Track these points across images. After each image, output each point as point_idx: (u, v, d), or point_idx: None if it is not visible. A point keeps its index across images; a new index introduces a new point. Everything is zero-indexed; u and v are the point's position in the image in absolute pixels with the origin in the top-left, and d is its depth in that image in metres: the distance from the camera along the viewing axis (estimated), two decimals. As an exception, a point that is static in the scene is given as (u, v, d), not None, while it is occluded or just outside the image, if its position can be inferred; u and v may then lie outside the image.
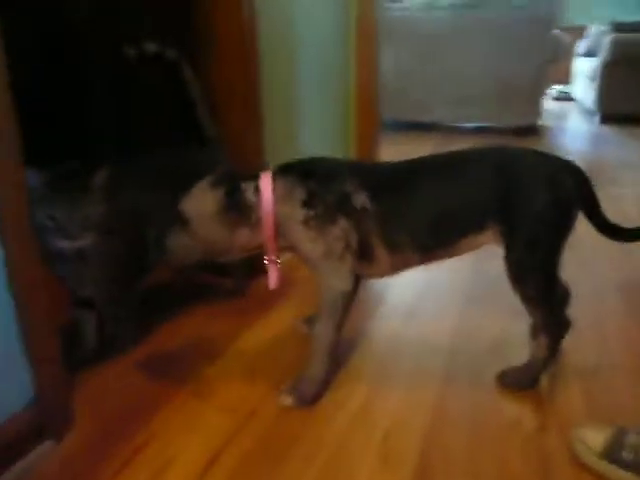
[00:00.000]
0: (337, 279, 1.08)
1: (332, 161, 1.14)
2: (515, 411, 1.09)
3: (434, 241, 1.08)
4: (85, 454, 0.98)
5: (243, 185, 1.07)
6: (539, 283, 1.07)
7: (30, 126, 1.04)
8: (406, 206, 1.06)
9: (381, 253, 1.08)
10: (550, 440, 1.01)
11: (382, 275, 1.14)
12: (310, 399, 1.11)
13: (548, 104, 5.54)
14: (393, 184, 1.08)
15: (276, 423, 1.06)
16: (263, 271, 1.12)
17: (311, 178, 1.07)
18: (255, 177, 1.08)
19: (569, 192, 1.04)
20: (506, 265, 1.07)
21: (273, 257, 1.10)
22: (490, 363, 1.24)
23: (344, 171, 1.08)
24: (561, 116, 5.21)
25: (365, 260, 1.09)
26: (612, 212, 1.12)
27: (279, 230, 1.07)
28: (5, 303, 0.89)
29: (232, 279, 1.61)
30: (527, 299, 1.09)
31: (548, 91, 5.99)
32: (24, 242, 0.89)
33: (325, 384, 1.13)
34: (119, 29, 1.66)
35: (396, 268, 1.12)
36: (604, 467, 0.90)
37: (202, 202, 1.06)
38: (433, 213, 1.06)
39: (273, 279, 1.11)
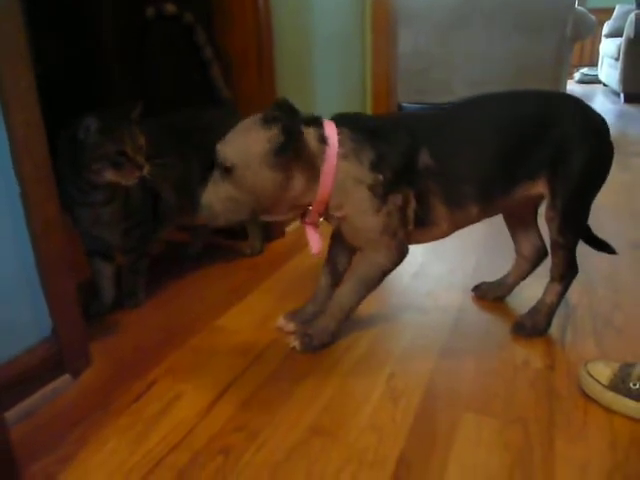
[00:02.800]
0: (385, 257, 1.02)
1: (386, 118, 1.09)
2: (524, 353, 1.09)
3: (494, 189, 1.03)
4: (100, 388, 1.02)
5: (303, 129, 0.93)
6: (576, 232, 1.08)
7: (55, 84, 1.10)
8: (468, 155, 1.01)
9: (440, 213, 1.02)
10: (558, 378, 1.00)
11: (435, 239, 1.08)
12: (317, 347, 1.11)
13: (573, 87, 5.44)
14: (450, 134, 1.01)
15: (283, 364, 1.08)
16: (276, 236, 1.12)
17: (378, 137, 0.97)
18: (317, 122, 0.96)
19: (610, 143, 1.05)
20: (548, 213, 1.06)
21: (316, 219, 1.01)
22: (500, 317, 1.24)
23: (403, 128, 1.00)
24: (586, 98, 5.11)
25: (420, 226, 1.03)
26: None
27: (335, 192, 0.97)
28: (22, 238, 0.93)
29: (249, 242, 1.63)
30: (560, 246, 1.08)
31: (574, 74, 5.89)
32: (40, 179, 0.93)
33: (334, 336, 1.14)
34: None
35: (454, 227, 1.06)
36: (611, 398, 0.90)
37: (252, 141, 0.90)
38: (493, 160, 1.01)
39: (316, 243, 1.01)
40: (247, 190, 0.92)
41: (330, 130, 0.96)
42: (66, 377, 1.02)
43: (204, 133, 1.32)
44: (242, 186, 0.91)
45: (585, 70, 6.09)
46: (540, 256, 1.23)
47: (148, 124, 1.21)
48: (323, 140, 0.95)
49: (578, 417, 0.91)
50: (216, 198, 0.93)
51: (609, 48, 4.95)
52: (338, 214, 1.00)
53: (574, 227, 1.08)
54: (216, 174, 0.93)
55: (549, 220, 1.06)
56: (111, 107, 1.16)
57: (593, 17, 3.90)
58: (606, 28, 5.36)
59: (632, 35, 4.19)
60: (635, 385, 0.87)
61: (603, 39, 5.45)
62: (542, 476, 0.79)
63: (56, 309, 0.99)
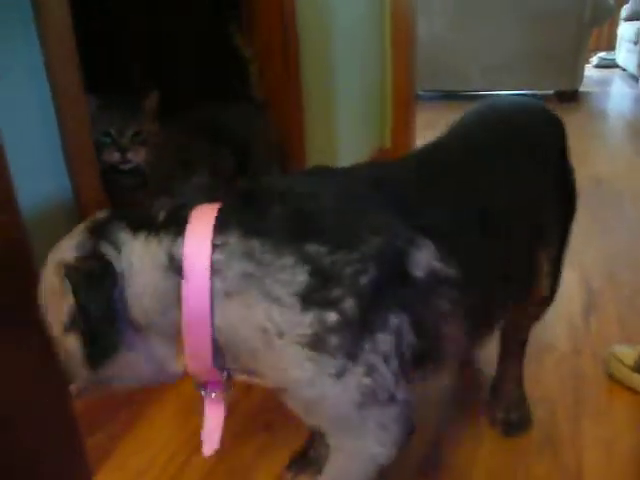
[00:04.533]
0: (377, 440, 0.57)
1: (345, 182, 0.59)
2: (550, 336, 1.12)
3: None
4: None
5: (136, 244, 0.51)
6: (561, 267, 0.85)
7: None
8: (497, 239, 0.65)
9: (458, 339, 0.62)
10: (584, 361, 1.04)
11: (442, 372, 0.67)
12: None
13: (591, 71, 5.38)
14: (471, 214, 0.62)
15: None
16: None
17: (314, 230, 0.52)
18: (175, 221, 0.51)
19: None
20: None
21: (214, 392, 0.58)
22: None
23: (376, 201, 0.56)
24: (604, 82, 5.06)
25: (425, 364, 0.61)
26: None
27: (232, 352, 0.53)
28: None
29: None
30: (547, 303, 0.86)
31: (591, 58, 5.82)
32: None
33: None
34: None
35: (466, 353, 0.77)
36: (637, 379, 0.93)
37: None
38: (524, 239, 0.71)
39: (211, 438, 0.58)
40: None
41: (195, 245, 0.50)
42: (111, 360, 1.07)
43: (231, 130, 1.36)
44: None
45: (603, 54, 6.02)
46: None
47: (176, 118, 1.25)
48: (174, 268, 0.50)
49: (604, 398, 0.94)
50: None
51: (627, 32, 4.90)
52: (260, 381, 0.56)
53: (561, 266, 0.84)
54: None
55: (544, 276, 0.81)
56: (127, 93, 1.20)
57: (611, 0, 3.87)
58: (624, 11, 5.29)
59: (651, 18, 4.14)
60: (660, 367, 0.90)
61: (621, 22, 5.38)
62: (570, 452, 0.83)
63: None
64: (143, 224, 0.51)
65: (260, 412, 0.94)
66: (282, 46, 1.62)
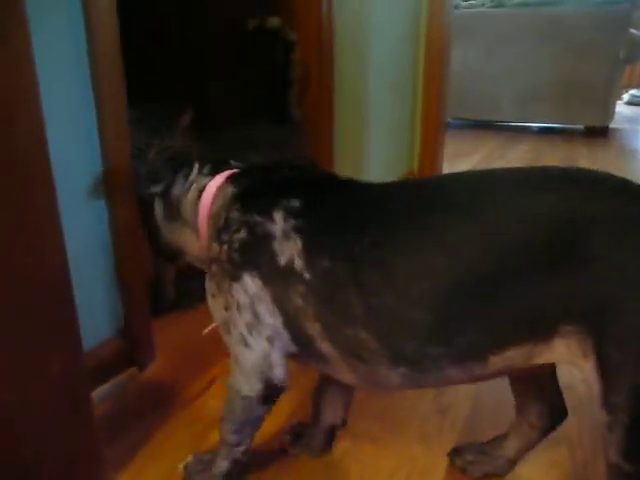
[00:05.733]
0: (237, 373, 0.72)
1: (291, 172, 0.76)
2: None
3: (436, 348, 0.61)
4: (164, 382, 1.09)
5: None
6: None
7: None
8: (378, 275, 0.60)
9: (329, 352, 0.66)
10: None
11: (372, 387, 0.74)
12: None
13: (622, 108, 5.35)
14: (356, 229, 0.63)
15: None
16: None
17: (246, 193, 0.73)
18: (213, 172, 0.79)
19: None
20: (602, 414, 0.58)
21: None
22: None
23: (286, 190, 0.70)
24: (635, 120, 5.02)
25: (312, 356, 0.69)
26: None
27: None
28: (105, 246, 1.02)
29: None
30: (625, 477, 0.59)
31: (623, 95, 5.79)
32: (126, 206, 1.01)
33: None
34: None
35: (369, 382, 0.69)
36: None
37: None
38: (436, 291, 0.59)
39: None
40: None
41: (211, 186, 0.77)
42: (133, 370, 1.10)
43: (269, 150, 1.38)
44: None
45: (635, 92, 5.99)
46: (554, 419, 0.80)
47: (212, 136, 1.27)
48: (201, 194, 0.78)
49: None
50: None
51: (662, 70, 4.87)
52: None
53: None
54: None
55: (603, 426, 0.58)
56: (163, 108, 1.19)
57: (647, 39, 3.86)
58: (659, 50, 5.26)
59: (687, 59, 4.12)
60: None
61: (656, 61, 5.36)
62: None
63: (129, 307, 1.06)
64: (202, 168, 0.80)
65: (277, 435, 0.95)
66: (318, 70, 1.65)
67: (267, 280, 0.66)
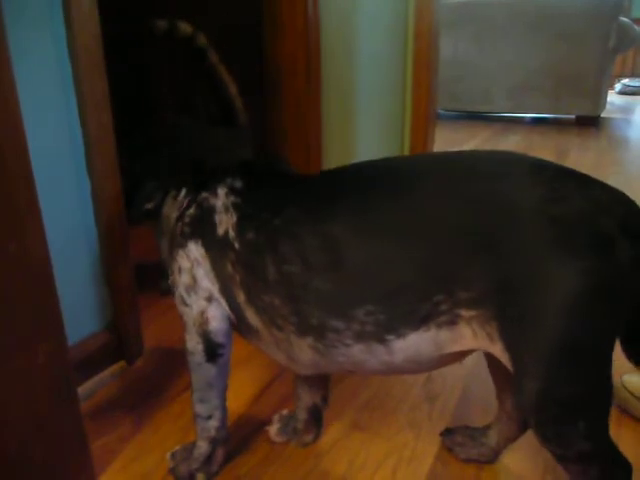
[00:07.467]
0: (185, 333, 0.78)
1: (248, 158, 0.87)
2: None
3: (337, 321, 0.64)
4: (153, 375, 1.09)
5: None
6: (590, 429, 0.60)
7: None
8: (291, 246, 0.66)
9: (255, 322, 0.72)
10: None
11: (296, 365, 0.74)
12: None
13: (613, 98, 5.36)
14: (280, 208, 0.69)
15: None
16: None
17: (200, 177, 0.79)
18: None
19: (620, 253, 0.55)
20: (518, 401, 0.65)
21: None
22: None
23: (231, 172, 0.77)
24: (626, 109, 5.03)
25: (246, 329, 0.75)
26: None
27: None
28: (91, 236, 1.01)
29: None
30: (565, 457, 0.62)
31: (614, 85, 5.80)
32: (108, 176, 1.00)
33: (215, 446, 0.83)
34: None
35: (290, 357, 0.73)
36: (645, 411, 0.92)
37: None
38: (337, 264, 0.63)
39: None
40: None
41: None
42: (122, 363, 1.09)
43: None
44: None
45: (626, 81, 5.99)
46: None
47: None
48: None
49: (612, 429, 0.92)
50: None
51: (653, 59, 4.87)
52: None
53: (584, 422, 0.59)
54: None
55: (523, 411, 0.67)
56: None
57: (637, 28, 3.86)
58: (650, 39, 5.27)
59: (677, 47, 4.12)
60: (670, 399, 0.89)
61: (647, 50, 5.36)
62: (575, 481, 0.82)
63: (117, 301, 1.06)
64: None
65: (265, 426, 0.95)
66: (305, 62, 1.65)
67: (208, 248, 0.73)
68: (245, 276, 0.70)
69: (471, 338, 0.61)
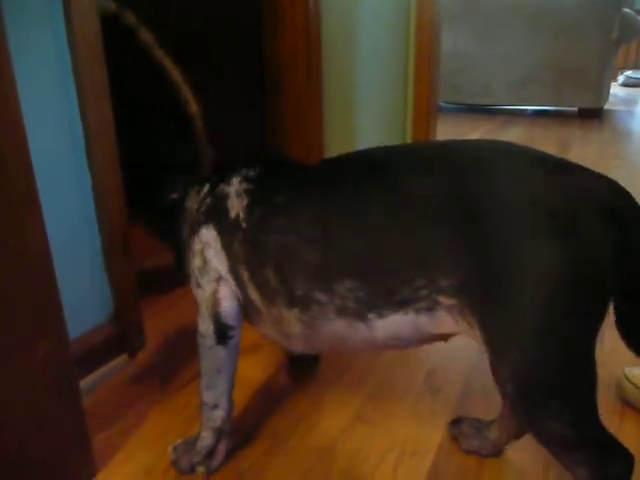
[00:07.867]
0: (198, 315, 0.80)
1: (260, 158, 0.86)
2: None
3: (320, 294, 0.67)
4: (155, 369, 1.09)
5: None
6: (568, 413, 0.59)
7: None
8: (287, 219, 0.70)
9: (256, 298, 0.75)
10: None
11: (289, 341, 0.78)
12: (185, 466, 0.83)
13: (616, 90, 5.33)
14: (283, 189, 0.74)
15: (329, 354, 1.13)
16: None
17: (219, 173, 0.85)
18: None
19: (598, 238, 0.55)
20: (498, 384, 0.62)
21: None
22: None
23: (242, 167, 0.81)
24: (629, 101, 5.01)
25: (250, 308, 0.78)
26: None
27: None
28: (92, 231, 1.01)
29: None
30: (549, 442, 0.62)
31: (618, 77, 5.76)
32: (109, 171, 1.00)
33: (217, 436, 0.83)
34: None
35: (282, 334, 0.77)
36: (648, 403, 0.91)
37: None
38: (325, 237, 0.67)
39: None
40: None
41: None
42: (124, 357, 1.09)
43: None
44: None
45: (630, 73, 5.96)
46: None
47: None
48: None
49: (614, 422, 0.93)
50: None
51: (656, 51, 4.84)
52: None
53: (563, 406, 0.59)
54: None
55: (502, 395, 0.66)
56: None
57: (640, 20, 3.83)
58: (653, 30, 5.23)
59: (681, 38, 4.09)
60: (673, 391, 0.89)
61: (650, 41, 5.33)
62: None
63: (119, 294, 1.06)
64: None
65: (267, 420, 0.95)
66: (306, 56, 1.64)
67: (220, 230, 0.77)
68: (249, 254, 0.73)
69: (452, 324, 0.63)
